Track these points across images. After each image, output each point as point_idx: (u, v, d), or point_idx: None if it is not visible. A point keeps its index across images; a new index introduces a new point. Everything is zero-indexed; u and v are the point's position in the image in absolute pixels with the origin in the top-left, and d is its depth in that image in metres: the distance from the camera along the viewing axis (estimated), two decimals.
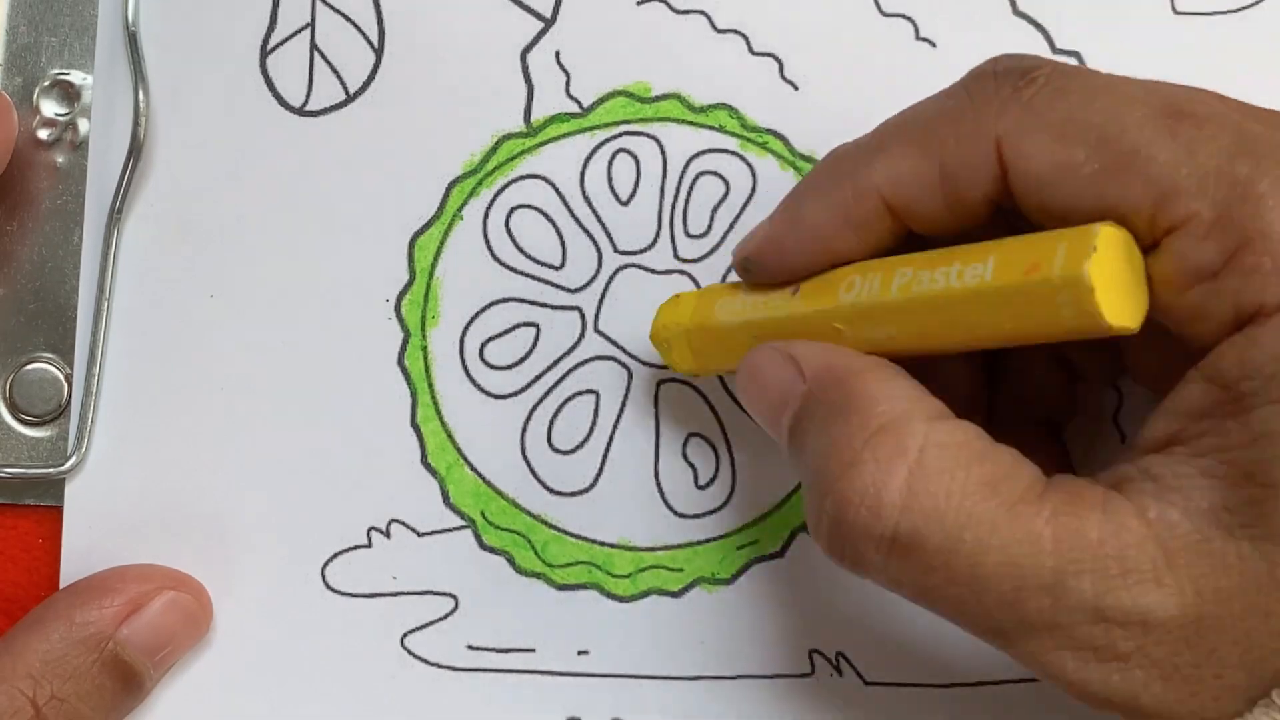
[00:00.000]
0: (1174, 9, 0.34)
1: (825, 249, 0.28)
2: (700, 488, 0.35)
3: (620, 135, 0.35)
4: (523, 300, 0.35)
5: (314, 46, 0.35)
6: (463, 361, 0.35)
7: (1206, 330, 0.24)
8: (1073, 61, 0.34)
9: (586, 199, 0.35)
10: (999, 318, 0.25)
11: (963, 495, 0.24)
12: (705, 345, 0.32)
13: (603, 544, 0.35)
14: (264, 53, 0.35)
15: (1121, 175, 0.24)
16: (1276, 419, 0.23)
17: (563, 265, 0.35)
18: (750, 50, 0.35)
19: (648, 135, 0.35)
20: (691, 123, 0.35)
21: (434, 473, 0.35)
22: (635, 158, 0.35)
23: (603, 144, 0.35)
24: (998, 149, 0.25)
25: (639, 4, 0.35)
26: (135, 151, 0.34)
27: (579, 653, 0.35)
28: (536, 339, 0.35)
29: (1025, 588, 0.24)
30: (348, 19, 0.35)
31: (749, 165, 0.35)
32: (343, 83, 0.35)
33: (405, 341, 0.35)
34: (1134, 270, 0.24)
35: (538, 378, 0.35)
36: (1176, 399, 0.25)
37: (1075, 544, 0.24)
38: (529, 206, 0.35)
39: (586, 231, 0.35)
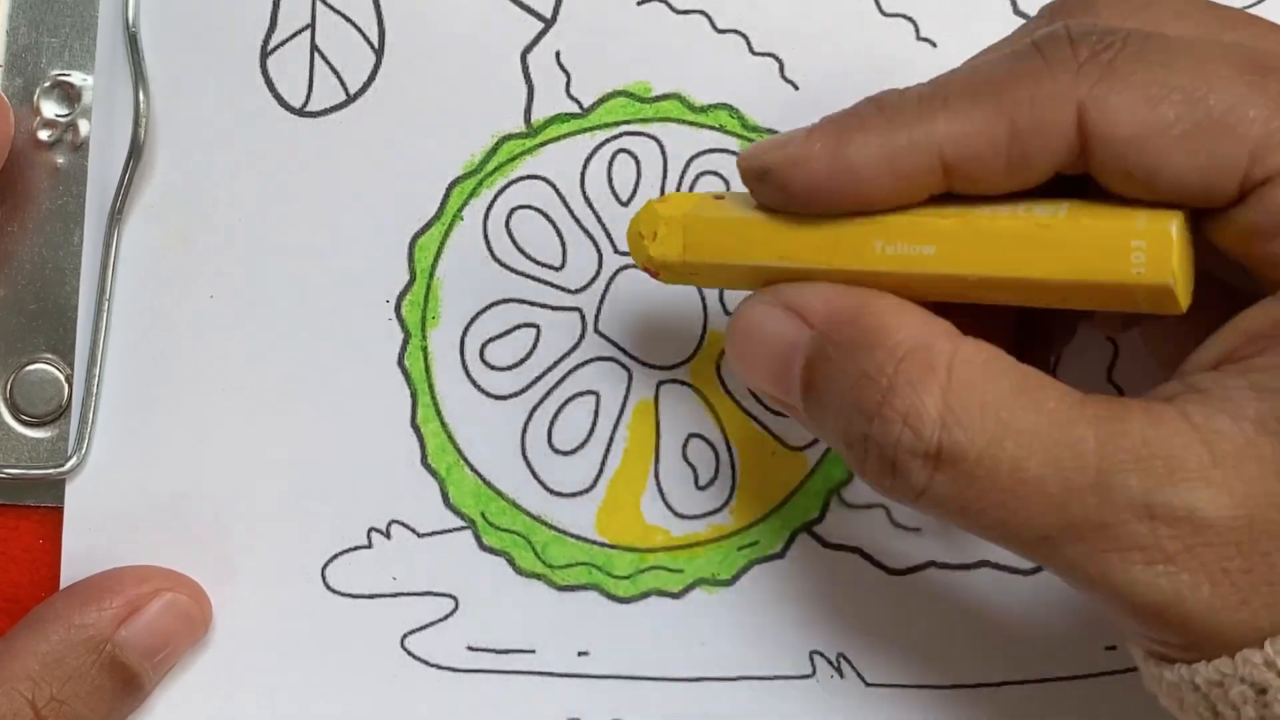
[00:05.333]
0: None
1: (858, 193, 0.26)
2: (700, 488, 0.35)
3: (620, 135, 0.35)
4: (523, 301, 0.35)
5: (314, 47, 0.35)
6: (463, 362, 0.35)
7: None
8: None
9: (587, 199, 0.35)
10: (1058, 262, 0.25)
11: (999, 405, 0.24)
12: (703, 237, 0.28)
13: (603, 545, 0.35)
14: (264, 53, 0.35)
15: (1213, 134, 0.24)
16: None
17: (563, 266, 0.35)
18: (751, 50, 0.35)
19: (648, 135, 0.35)
20: (692, 123, 0.35)
21: (434, 473, 0.35)
22: (635, 158, 0.35)
23: (603, 144, 0.35)
24: (1079, 114, 0.25)
25: (639, 4, 0.35)
26: (136, 152, 0.34)
27: (579, 654, 0.35)
28: (537, 340, 0.35)
29: (1070, 489, 0.24)
30: (348, 20, 0.35)
31: None
32: (343, 83, 0.35)
33: (405, 342, 0.35)
34: (1190, 256, 0.25)
35: (538, 378, 0.35)
36: (1239, 322, 0.25)
37: (1120, 444, 0.24)
38: (529, 207, 0.35)
39: (587, 232, 0.35)
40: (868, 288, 0.27)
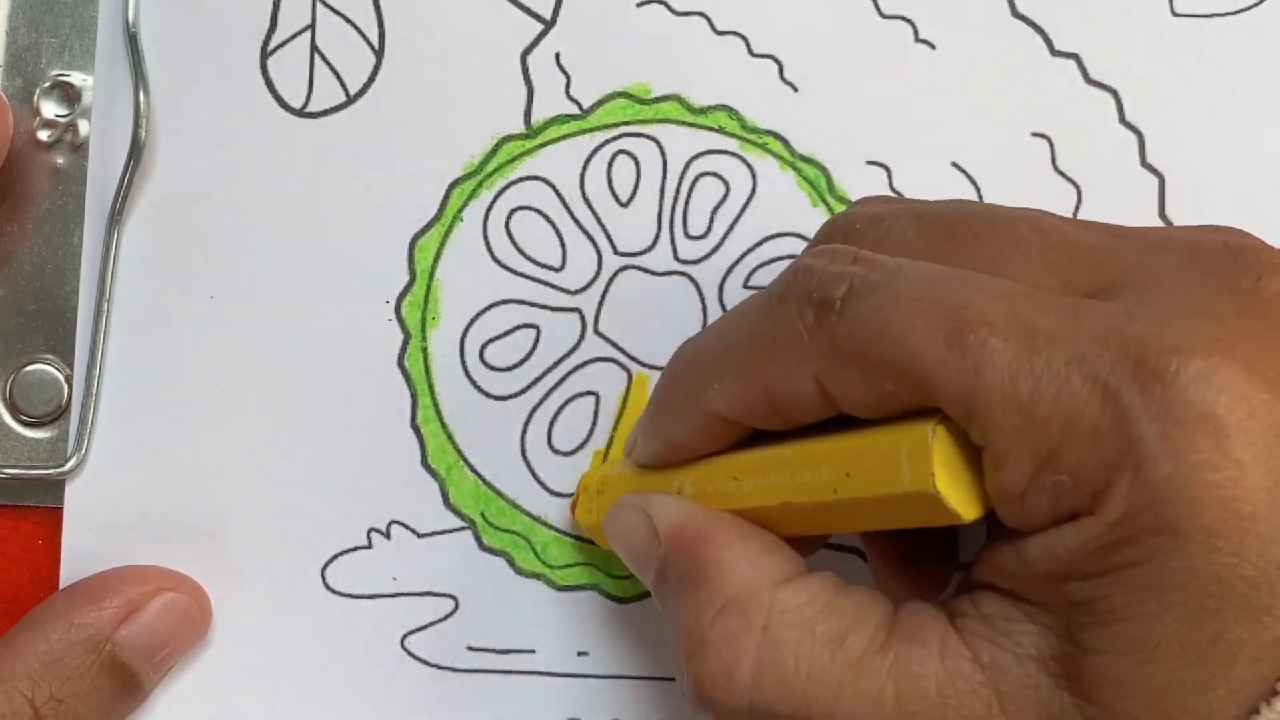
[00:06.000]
0: (1173, 10, 0.35)
1: (697, 454, 0.30)
2: None
3: (620, 137, 0.35)
4: (523, 302, 0.35)
5: (314, 48, 0.35)
6: (463, 363, 0.35)
7: (1026, 529, 0.24)
8: (1071, 65, 0.35)
9: (586, 200, 0.35)
10: (840, 482, 0.26)
11: (810, 661, 0.26)
12: (610, 492, 0.33)
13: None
14: (264, 54, 0.35)
15: (927, 401, 0.24)
16: (1083, 592, 0.23)
17: (563, 267, 0.35)
18: (750, 52, 0.35)
19: (647, 137, 0.35)
20: (691, 124, 0.35)
21: (434, 474, 0.35)
22: (635, 159, 0.35)
23: (602, 145, 0.35)
24: (818, 383, 0.26)
25: (639, 6, 0.35)
26: (136, 152, 0.34)
27: (579, 654, 0.35)
28: (537, 340, 0.35)
29: None
30: (348, 21, 0.35)
31: (749, 166, 0.35)
32: (343, 84, 0.35)
33: (405, 343, 0.35)
34: (973, 458, 0.25)
35: (538, 379, 0.35)
36: (995, 557, 0.25)
37: (915, 696, 0.25)
38: (529, 208, 0.35)
39: (586, 233, 0.35)
40: (718, 510, 0.29)
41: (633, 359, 0.35)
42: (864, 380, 0.25)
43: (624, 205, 0.35)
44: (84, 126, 0.35)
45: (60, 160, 0.35)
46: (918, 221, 0.28)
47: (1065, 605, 0.24)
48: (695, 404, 0.29)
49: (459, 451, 0.35)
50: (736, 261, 0.35)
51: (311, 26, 0.35)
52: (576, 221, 0.35)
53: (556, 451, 0.35)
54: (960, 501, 0.24)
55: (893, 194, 0.34)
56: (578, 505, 0.34)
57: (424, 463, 0.35)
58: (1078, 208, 0.34)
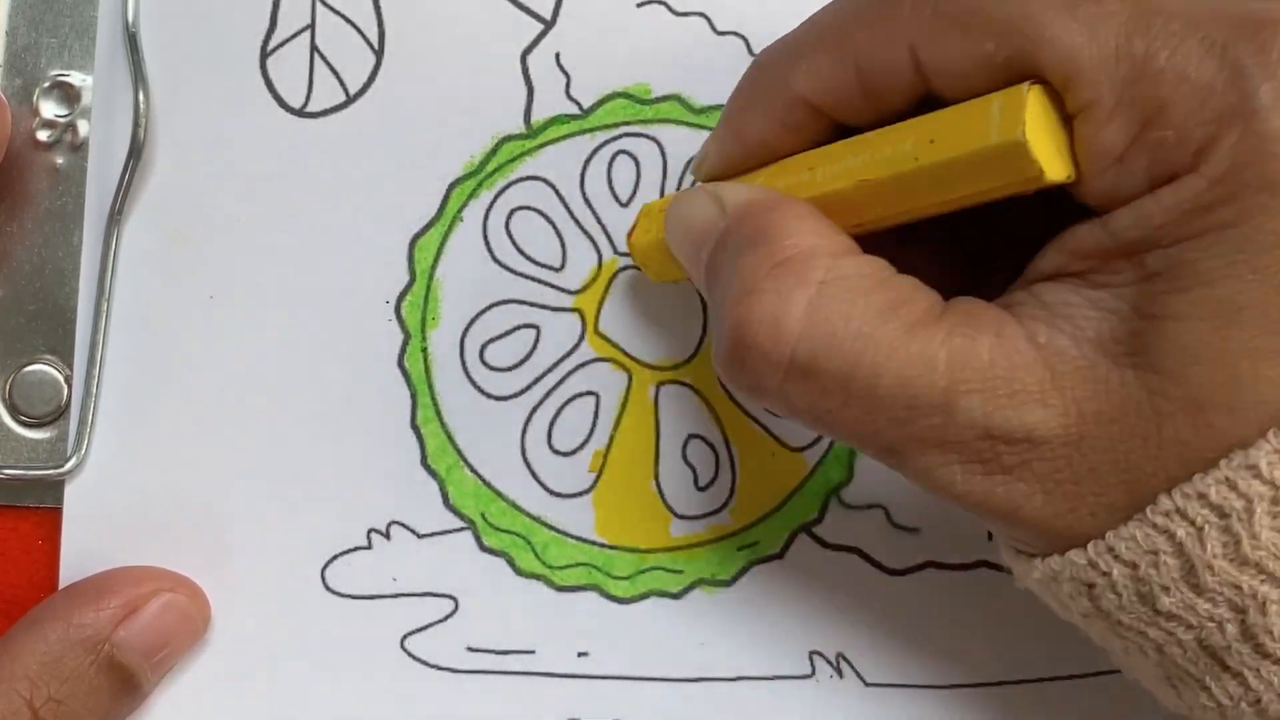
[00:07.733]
0: None
1: (773, 154, 0.29)
2: (700, 489, 0.35)
3: (620, 137, 0.35)
4: (523, 302, 0.35)
5: (314, 48, 0.35)
6: (463, 363, 0.35)
7: (1117, 200, 0.24)
8: None
9: (586, 200, 0.35)
10: (926, 149, 0.26)
11: (861, 320, 0.26)
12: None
13: (602, 545, 0.35)
14: (264, 54, 0.35)
15: (1030, 60, 0.24)
16: (1164, 261, 0.23)
17: (563, 267, 0.35)
18: (750, 52, 0.35)
19: (648, 137, 0.35)
20: (691, 124, 0.35)
21: (434, 474, 0.35)
22: (635, 159, 0.35)
23: (603, 145, 0.35)
24: (912, 53, 0.26)
25: (639, 6, 0.35)
26: (135, 153, 0.34)
27: (579, 654, 0.35)
28: (537, 340, 0.35)
29: (918, 406, 0.25)
30: (348, 20, 0.35)
31: None
32: (343, 84, 0.35)
33: (405, 343, 0.35)
34: (1060, 132, 0.25)
35: (538, 379, 0.35)
36: (1071, 238, 0.25)
37: (967, 364, 0.25)
38: (529, 208, 0.35)
39: (586, 233, 0.35)
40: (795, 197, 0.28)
41: (633, 359, 0.35)
42: (964, 43, 0.25)
43: (624, 205, 0.35)
44: (83, 126, 0.35)
45: (60, 160, 0.35)
46: None
47: (1140, 279, 0.24)
48: (779, 91, 0.28)
49: (459, 452, 0.35)
50: None
51: (311, 26, 0.35)
52: (576, 221, 0.35)
53: (556, 451, 0.35)
54: (1049, 159, 0.24)
55: None
56: (635, 229, 0.33)
57: (424, 463, 0.35)
58: None
